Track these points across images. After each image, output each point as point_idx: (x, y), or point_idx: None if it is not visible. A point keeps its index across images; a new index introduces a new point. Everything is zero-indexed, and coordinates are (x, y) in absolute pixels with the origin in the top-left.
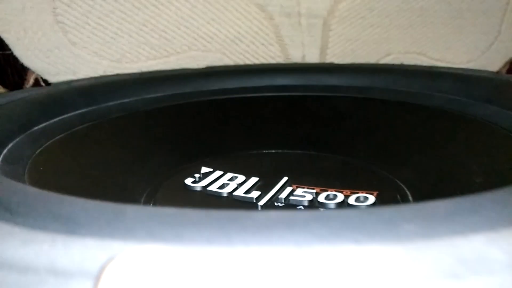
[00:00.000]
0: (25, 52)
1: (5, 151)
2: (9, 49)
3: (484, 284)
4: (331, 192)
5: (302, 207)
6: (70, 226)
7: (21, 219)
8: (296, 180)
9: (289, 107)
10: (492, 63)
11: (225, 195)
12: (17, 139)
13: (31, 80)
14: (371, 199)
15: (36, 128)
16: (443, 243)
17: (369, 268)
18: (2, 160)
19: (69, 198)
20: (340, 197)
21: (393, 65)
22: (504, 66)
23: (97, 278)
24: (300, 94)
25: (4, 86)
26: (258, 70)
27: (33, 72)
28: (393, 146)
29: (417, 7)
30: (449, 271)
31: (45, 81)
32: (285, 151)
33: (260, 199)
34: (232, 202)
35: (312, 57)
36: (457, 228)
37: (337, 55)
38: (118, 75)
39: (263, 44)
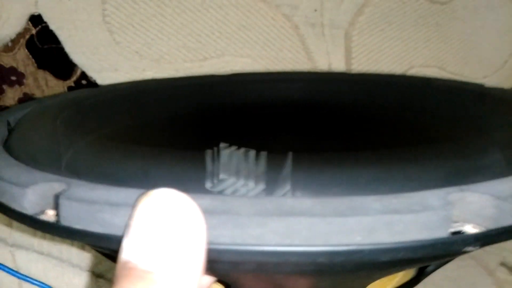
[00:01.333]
0: (74, 48)
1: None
2: (61, 44)
3: (362, 220)
4: None
5: None
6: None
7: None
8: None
9: (299, 121)
10: (507, 80)
11: None
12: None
13: (79, 72)
14: None
15: (89, 137)
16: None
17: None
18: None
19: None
20: None
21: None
22: None
23: (134, 206)
24: (310, 112)
25: (55, 76)
26: (273, 81)
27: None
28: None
29: (433, 23)
30: (338, 212)
31: (90, 76)
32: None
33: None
34: None
35: (338, 66)
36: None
37: (363, 65)
38: (154, 80)
39: (290, 51)
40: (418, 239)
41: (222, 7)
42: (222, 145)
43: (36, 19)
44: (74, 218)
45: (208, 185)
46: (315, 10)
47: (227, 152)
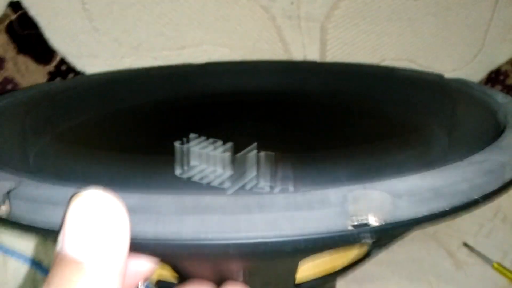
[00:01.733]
0: (54, 34)
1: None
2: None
3: (266, 216)
4: None
5: None
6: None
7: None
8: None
9: (267, 110)
10: (476, 73)
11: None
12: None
13: (58, 58)
14: None
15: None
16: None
17: None
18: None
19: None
20: None
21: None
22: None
23: (67, 204)
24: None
25: (36, 61)
26: (244, 72)
27: None
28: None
29: (406, 18)
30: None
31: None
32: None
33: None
34: None
35: (314, 58)
36: None
37: (337, 57)
38: (129, 70)
39: (267, 42)
40: (316, 231)
41: None
42: (192, 135)
43: (15, 5)
44: (22, 214)
45: (178, 172)
46: (292, 3)
47: (197, 142)
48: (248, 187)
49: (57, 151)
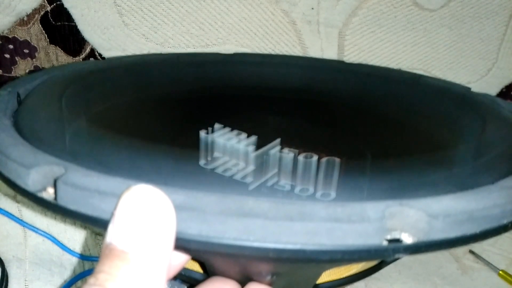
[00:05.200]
0: (86, 27)
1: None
2: (74, 22)
3: (307, 225)
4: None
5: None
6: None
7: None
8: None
9: (292, 104)
10: (490, 87)
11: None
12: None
13: (88, 50)
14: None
15: (95, 111)
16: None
17: None
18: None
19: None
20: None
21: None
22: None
23: (118, 198)
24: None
25: (65, 52)
26: (271, 65)
27: (90, 44)
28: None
29: (421, 28)
30: (289, 217)
31: (99, 54)
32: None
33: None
34: None
35: None
36: None
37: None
38: (159, 54)
39: (287, 45)
40: (353, 244)
41: None
42: (217, 125)
43: None
44: (69, 199)
45: (202, 162)
46: (312, 8)
47: (221, 132)
48: (269, 183)
49: (90, 134)
